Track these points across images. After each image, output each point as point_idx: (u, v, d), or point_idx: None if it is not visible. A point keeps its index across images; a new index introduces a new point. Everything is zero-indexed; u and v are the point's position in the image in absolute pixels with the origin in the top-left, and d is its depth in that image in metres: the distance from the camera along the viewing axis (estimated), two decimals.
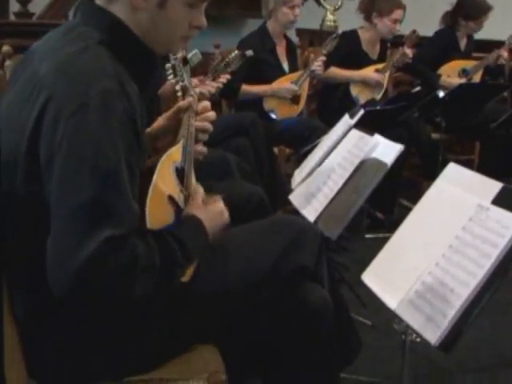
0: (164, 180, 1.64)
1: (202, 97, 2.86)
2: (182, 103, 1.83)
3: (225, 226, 1.73)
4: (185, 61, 1.90)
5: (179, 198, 1.69)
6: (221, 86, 3.50)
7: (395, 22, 4.57)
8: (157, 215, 1.56)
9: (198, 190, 1.77)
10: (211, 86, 3.26)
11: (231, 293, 1.70)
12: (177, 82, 1.90)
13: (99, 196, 1.33)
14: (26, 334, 1.55)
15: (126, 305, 1.47)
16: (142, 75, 1.54)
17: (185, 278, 1.60)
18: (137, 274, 1.37)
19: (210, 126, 1.95)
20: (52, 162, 1.36)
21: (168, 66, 2.02)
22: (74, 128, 1.34)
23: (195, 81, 3.23)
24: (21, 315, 1.55)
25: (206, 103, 1.96)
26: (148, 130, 1.84)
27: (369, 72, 4.64)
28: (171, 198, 1.64)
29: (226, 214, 1.74)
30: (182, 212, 1.67)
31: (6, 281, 1.53)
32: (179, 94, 1.90)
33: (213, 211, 1.70)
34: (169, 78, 2.05)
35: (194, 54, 1.90)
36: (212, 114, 1.94)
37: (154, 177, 1.59)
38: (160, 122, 1.87)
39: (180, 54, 1.88)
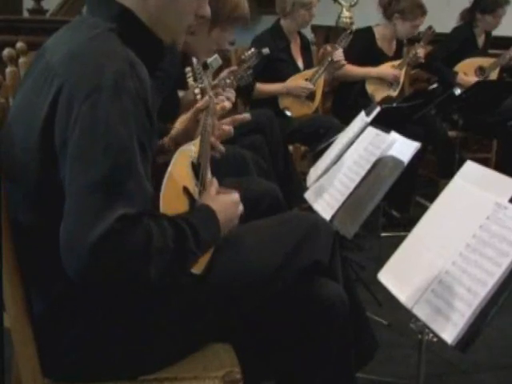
0: (180, 172, 1.68)
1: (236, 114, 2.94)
2: (199, 104, 1.90)
3: (239, 216, 1.72)
4: (205, 66, 2.01)
5: (194, 191, 1.70)
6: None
7: (416, 27, 4.58)
8: (171, 204, 1.58)
9: (213, 183, 1.78)
10: (232, 94, 3.23)
11: (244, 287, 1.69)
12: (196, 85, 2.05)
13: (111, 174, 1.33)
14: (42, 332, 1.55)
15: (142, 293, 1.48)
16: (149, 63, 1.54)
17: (198, 270, 1.59)
18: (151, 254, 1.36)
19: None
20: (67, 143, 1.37)
21: (188, 69, 2.10)
22: (87, 109, 1.35)
23: (224, 73, 3.22)
24: (38, 312, 1.55)
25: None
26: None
27: (385, 68, 4.62)
28: (186, 189, 1.67)
29: (240, 205, 1.73)
30: (195, 204, 1.68)
31: (23, 278, 1.54)
32: (198, 96, 2.06)
33: (226, 202, 1.69)
34: (188, 80, 2.12)
35: (215, 59, 1.96)
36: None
37: (170, 167, 1.63)
38: (180, 123, 1.89)
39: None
